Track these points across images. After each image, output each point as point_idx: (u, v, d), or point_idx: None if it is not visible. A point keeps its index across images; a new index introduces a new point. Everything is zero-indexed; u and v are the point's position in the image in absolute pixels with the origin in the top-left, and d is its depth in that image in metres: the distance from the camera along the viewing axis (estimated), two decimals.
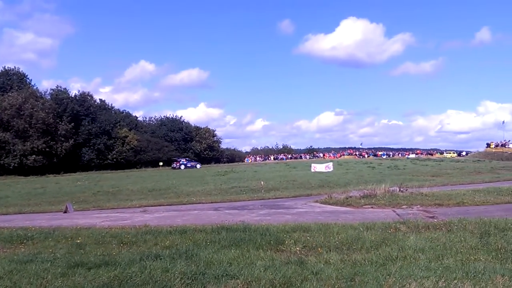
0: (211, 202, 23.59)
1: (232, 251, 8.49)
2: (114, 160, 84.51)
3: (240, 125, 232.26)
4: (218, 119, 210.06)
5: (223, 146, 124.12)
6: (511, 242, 8.53)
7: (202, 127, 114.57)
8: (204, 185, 37.46)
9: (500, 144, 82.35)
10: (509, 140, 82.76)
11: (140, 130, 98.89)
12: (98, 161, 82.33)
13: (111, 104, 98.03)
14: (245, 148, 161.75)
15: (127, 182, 44.42)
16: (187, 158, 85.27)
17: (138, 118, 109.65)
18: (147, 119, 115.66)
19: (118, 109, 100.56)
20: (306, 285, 6.20)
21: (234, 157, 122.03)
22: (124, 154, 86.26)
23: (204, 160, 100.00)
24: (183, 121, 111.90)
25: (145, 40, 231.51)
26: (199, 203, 23.60)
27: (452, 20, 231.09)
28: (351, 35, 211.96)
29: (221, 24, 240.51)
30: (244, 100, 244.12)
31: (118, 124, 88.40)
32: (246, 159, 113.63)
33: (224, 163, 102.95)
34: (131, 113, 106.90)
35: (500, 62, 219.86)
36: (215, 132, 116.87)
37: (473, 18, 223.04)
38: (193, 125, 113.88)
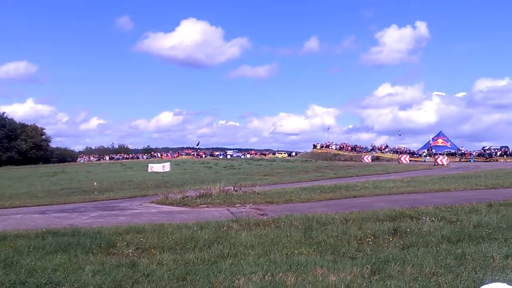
0: (38, 205, 21.89)
1: (59, 256, 7.98)
2: None
3: (73, 123, 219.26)
4: (49, 116, 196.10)
5: (53, 145, 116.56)
6: (330, 235, 9.35)
7: (29, 124, 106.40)
8: (30, 187, 34.73)
9: (324, 145, 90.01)
10: (332, 142, 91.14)
11: None
12: None
13: None
14: (79, 147, 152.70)
15: None
16: (234, 150, 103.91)
17: None
18: None
19: None
20: (137, 287, 6.09)
21: (65, 157, 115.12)
22: None
23: (31, 160, 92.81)
24: (7, 117, 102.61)
25: None
26: (24, 206, 21.77)
27: (284, 28, 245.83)
28: (191, 35, 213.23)
29: (53, 14, 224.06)
30: (78, 97, 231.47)
31: None
32: (79, 159, 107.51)
33: (54, 163, 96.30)
34: None
35: (326, 70, 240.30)
36: (44, 130, 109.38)
37: (303, 27, 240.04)
38: (18, 122, 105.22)
